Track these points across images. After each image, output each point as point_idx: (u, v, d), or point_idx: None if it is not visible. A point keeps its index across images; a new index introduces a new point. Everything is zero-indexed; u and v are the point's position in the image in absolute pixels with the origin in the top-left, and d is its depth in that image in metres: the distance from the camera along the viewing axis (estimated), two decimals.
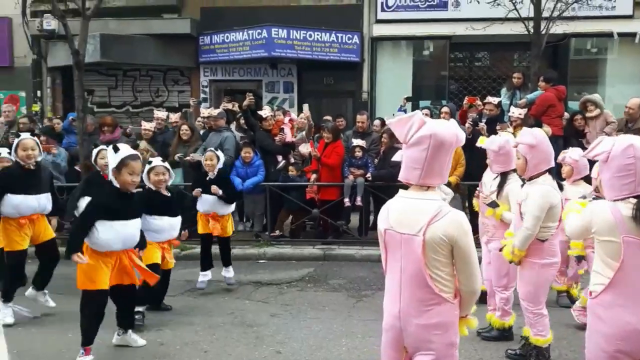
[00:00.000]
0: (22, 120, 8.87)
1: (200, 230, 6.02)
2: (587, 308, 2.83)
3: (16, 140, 4.98)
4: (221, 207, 5.94)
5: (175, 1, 12.12)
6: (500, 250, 4.00)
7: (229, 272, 6.13)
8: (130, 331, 4.45)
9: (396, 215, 2.44)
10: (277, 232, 8.11)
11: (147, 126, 8.24)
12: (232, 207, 6.14)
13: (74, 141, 8.80)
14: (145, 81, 12.74)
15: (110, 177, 4.01)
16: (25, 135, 5.10)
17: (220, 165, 5.97)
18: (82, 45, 8.51)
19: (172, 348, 4.43)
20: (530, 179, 3.79)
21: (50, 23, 11.54)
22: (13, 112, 9.46)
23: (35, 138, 5.12)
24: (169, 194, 5.07)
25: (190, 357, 4.25)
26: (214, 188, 5.83)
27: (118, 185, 3.99)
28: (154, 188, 4.96)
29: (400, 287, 2.42)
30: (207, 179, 5.92)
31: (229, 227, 6.08)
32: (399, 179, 2.49)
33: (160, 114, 8.91)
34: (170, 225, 5.01)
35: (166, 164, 5.07)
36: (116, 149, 4.01)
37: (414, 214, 2.37)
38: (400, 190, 2.52)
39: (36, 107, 12.36)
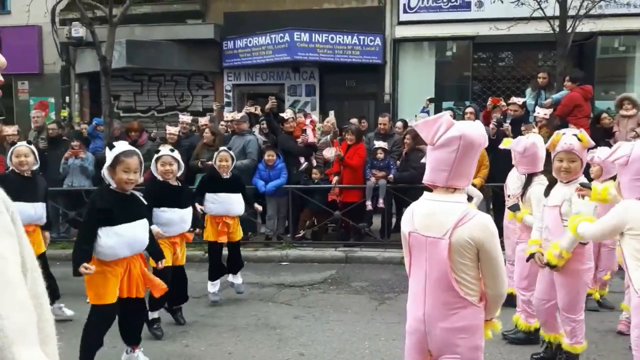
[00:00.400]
0: (51, 125, 9.09)
1: (211, 236, 5.61)
2: (636, 307, 2.79)
3: (11, 148, 4.89)
4: (235, 207, 5.63)
5: (199, 7, 12.28)
6: (529, 259, 3.88)
7: (237, 279, 5.83)
8: (138, 351, 4.12)
9: (421, 218, 2.43)
10: (302, 232, 8.13)
11: (172, 130, 8.34)
12: (243, 207, 5.79)
13: (100, 145, 8.98)
14: (169, 86, 12.94)
15: (106, 177, 3.72)
16: (21, 143, 4.96)
17: (232, 166, 5.73)
18: (109, 52, 8.70)
19: (196, 350, 4.48)
20: (569, 180, 3.69)
21: (79, 31, 11.82)
22: (42, 117, 9.71)
23: (32, 146, 4.93)
24: (179, 184, 4.83)
25: (215, 359, 4.30)
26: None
27: (114, 186, 3.70)
28: (161, 179, 4.70)
29: (425, 290, 2.41)
30: (223, 178, 5.62)
31: (238, 231, 5.81)
32: (423, 181, 2.47)
33: (185, 118, 9.03)
34: (180, 218, 4.73)
35: (174, 154, 4.75)
36: (111, 147, 3.77)
37: (439, 217, 2.35)
38: (425, 193, 2.50)
39: (64, 113, 12.66)
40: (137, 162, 3.70)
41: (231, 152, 5.82)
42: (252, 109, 9.23)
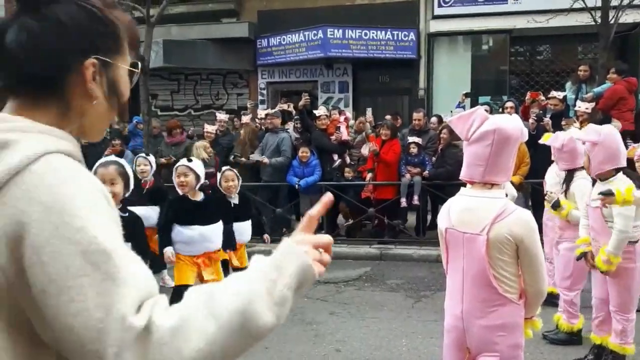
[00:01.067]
0: None
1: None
2: None
3: None
4: (245, 236, 5.24)
5: (234, 6, 12.41)
6: (579, 259, 3.77)
7: None
8: None
9: (458, 214, 2.41)
10: (350, 222, 8.10)
11: (209, 129, 8.47)
12: (250, 233, 5.36)
13: (140, 144, 9.21)
14: (205, 85, 13.14)
15: None
16: None
17: (239, 186, 5.21)
18: (146, 52, 8.90)
19: None
20: (604, 179, 3.58)
21: None
22: None
23: None
24: (200, 199, 4.40)
25: (252, 353, 4.30)
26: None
27: None
28: (180, 192, 4.36)
29: (463, 287, 2.39)
30: (232, 205, 5.10)
31: (245, 257, 5.35)
32: (460, 177, 2.45)
33: (222, 116, 9.15)
34: (201, 236, 4.27)
35: (192, 164, 4.37)
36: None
37: (477, 213, 2.33)
38: (462, 189, 2.48)
39: None
40: (111, 173, 3.28)
41: (236, 171, 5.33)
42: (285, 106, 9.29)
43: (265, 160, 7.94)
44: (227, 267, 5.04)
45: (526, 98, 8.53)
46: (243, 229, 5.17)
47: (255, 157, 8.04)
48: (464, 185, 2.47)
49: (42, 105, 0.94)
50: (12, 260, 0.79)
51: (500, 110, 8.23)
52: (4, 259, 0.79)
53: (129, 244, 3.37)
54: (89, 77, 0.96)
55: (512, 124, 2.33)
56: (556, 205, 4.19)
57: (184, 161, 4.42)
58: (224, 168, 5.43)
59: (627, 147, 4.14)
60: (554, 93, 8.03)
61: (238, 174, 5.25)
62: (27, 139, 0.86)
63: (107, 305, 0.79)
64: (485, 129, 2.29)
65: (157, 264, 3.61)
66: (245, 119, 9.08)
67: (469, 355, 2.46)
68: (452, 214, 2.45)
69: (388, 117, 8.84)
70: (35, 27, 0.91)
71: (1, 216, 0.79)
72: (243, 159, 8.06)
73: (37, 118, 0.92)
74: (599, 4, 8.37)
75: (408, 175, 7.56)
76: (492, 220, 2.27)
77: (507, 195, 2.54)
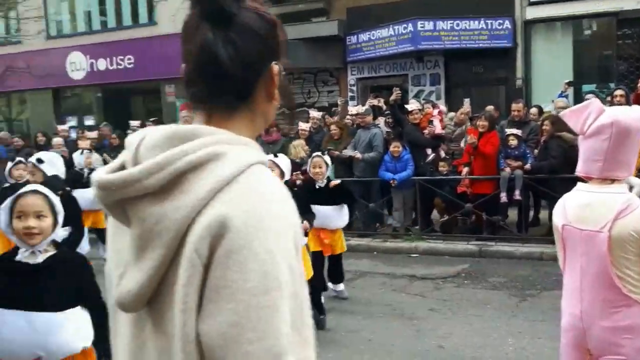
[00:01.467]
0: None
1: (312, 247, 5.11)
2: None
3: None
4: (333, 219, 5.24)
5: (323, 4, 12.58)
6: None
7: (339, 286, 5.66)
8: None
9: (575, 210, 2.33)
10: (445, 217, 8.03)
11: (304, 127, 8.71)
12: (346, 219, 5.42)
13: None
14: (298, 84, 13.42)
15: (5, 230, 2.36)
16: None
17: (329, 172, 5.30)
18: None
19: (337, 334, 4.68)
20: None
21: None
22: (191, 118, 10.64)
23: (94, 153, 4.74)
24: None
25: (355, 344, 4.46)
26: (333, 183, 5.25)
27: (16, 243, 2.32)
28: None
29: (581, 286, 2.31)
30: (317, 187, 5.20)
31: (340, 243, 5.44)
32: (576, 172, 2.37)
33: (315, 114, 9.36)
34: None
35: (276, 160, 4.39)
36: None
37: (596, 209, 2.24)
38: (579, 184, 2.40)
39: None
40: (39, 202, 2.38)
41: (326, 157, 5.41)
42: (375, 102, 9.29)
43: (358, 155, 8.02)
44: (322, 259, 5.26)
45: (638, 85, 7.91)
46: (330, 214, 5.17)
47: (348, 152, 8.14)
48: (578, 179, 2.38)
49: (236, 114, 1.00)
50: (208, 256, 0.86)
51: (609, 99, 7.69)
52: (205, 258, 0.85)
53: None
54: (277, 81, 1.01)
55: (632, 116, 2.22)
56: None
57: (270, 156, 4.47)
58: (313, 154, 5.50)
59: None
60: None
61: (327, 161, 5.31)
62: (233, 151, 0.92)
63: (262, 333, 0.81)
64: (601, 122, 2.20)
65: None
66: (332, 119, 9.24)
67: (590, 357, 2.38)
68: (568, 210, 2.36)
69: (490, 107, 8.53)
70: (237, 39, 0.95)
71: (211, 218, 0.86)
72: (336, 152, 8.18)
73: (231, 128, 0.98)
74: None
75: (508, 169, 7.29)
76: (615, 216, 2.17)
77: (631, 189, 2.41)
